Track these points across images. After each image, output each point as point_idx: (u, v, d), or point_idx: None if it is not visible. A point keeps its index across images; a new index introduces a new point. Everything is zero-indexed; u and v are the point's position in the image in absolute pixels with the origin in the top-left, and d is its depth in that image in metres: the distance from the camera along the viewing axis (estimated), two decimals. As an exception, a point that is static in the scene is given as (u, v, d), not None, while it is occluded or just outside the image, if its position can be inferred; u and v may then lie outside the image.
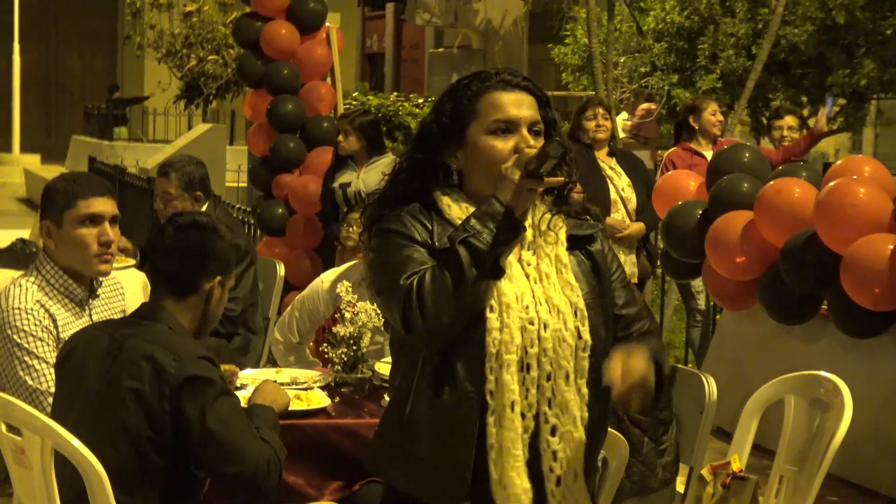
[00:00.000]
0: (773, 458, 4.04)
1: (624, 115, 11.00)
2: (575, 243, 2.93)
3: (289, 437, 3.62)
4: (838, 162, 6.46)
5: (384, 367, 4.48)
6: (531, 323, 2.79)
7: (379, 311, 4.35)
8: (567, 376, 2.80)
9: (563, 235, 2.90)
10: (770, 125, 8.73)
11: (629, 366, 2.71)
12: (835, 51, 13.52)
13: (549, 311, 2.82)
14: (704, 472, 3.91)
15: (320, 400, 4.09)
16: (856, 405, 3.92)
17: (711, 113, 8.09)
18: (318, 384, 4.30)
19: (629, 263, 7.09)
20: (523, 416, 2.78)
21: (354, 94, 12.78)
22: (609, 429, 3.45)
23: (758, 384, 4.15)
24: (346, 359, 4.34)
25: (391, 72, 28.23)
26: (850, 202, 5.49)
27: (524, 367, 2.78)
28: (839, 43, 13.54)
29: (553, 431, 2.81)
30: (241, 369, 4.52)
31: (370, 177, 7.55)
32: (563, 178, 2.77)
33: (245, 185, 13.19)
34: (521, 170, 2.69)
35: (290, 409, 3.93)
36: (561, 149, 2.67)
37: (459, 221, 2.78)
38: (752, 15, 13.85)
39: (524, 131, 2.85)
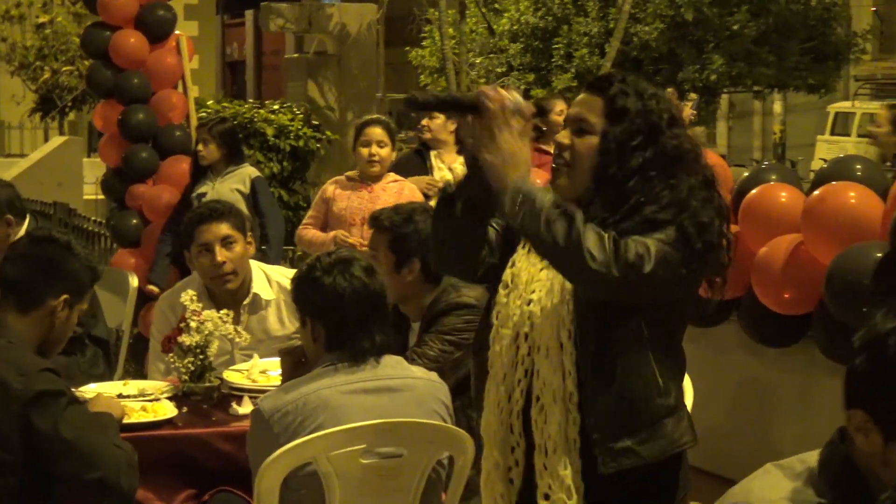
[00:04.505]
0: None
1: None
2: None
3: (136, 450, 3.57)
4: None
5: (232, 375, 4.46)
6: (528, 304, 2.91)
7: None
8: (547, 351, 2.88)
9: None
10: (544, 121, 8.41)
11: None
12: (685, 47, 13.78)
13: (540, 289, 2.91)
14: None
15: (167, 411, 4.06)
16: (706, 395, 4.00)
17: (558, 113, 8.12)
18: (165, 395, 4.27)
19: None
20: (513, 388, 2.93)
21: (209, 103, 12.65)
22: (454, 427, 3.49)
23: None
24: (192, 368, 4.31)
25: (252, 79, 28.08)
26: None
27: (516, 341, 2.93)
28: (689, 39, 13.81)
29: (536, 401, 2.90)
30: (88, 383, 4.46)
31: (224, 186, 7.42)
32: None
33: (104, 196, 12.96)
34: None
35: (136, 421, 3.91)
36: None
37: None
38: (604, 14, 14.06)
39: None
